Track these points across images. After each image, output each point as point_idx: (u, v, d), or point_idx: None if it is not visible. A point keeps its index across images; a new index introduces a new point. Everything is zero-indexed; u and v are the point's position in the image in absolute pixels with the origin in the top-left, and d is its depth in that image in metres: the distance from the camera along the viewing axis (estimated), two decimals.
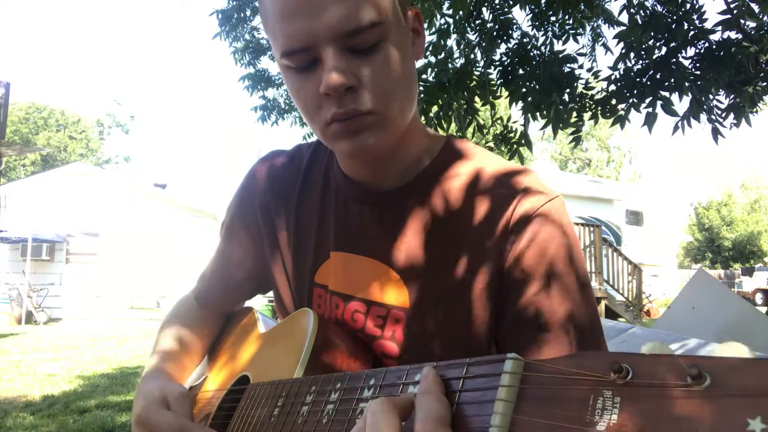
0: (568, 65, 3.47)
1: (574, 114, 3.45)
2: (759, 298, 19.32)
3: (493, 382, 0.37)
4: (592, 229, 11.06)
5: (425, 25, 3.78)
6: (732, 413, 0.25)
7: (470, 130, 3.91)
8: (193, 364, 0.92)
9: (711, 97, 3.07)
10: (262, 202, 0.85)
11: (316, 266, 0.80)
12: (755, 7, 2.82)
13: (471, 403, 0.39)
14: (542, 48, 3.70)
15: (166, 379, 0.79)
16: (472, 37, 3.85)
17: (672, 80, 2.99)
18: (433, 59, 3.76)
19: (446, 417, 0.39)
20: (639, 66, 3.21)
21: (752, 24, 2.96)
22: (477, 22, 3.74)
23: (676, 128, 3.08)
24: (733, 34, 2.98)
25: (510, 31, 3.69)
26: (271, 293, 0.90)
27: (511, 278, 0.68)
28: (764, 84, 3.14)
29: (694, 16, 3.08)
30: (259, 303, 10.36)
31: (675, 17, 3.03)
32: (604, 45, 3.99)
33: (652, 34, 3.04)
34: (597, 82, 3.46)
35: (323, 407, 0.55)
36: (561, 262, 0.67)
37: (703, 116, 3.08)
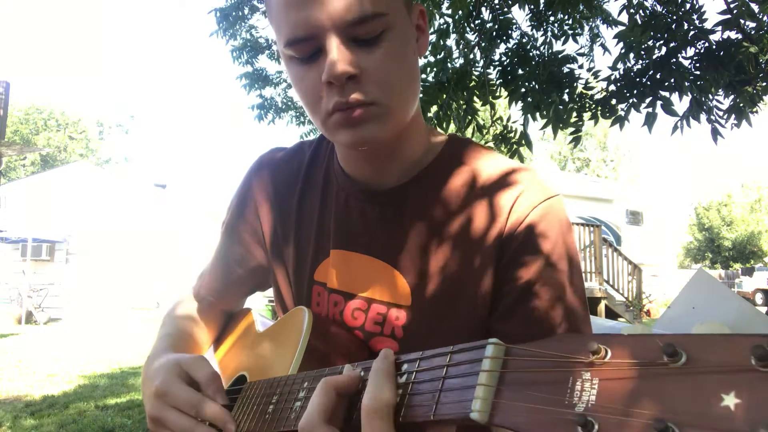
0: (568, 65, 3.46)
1: (574, 114, 3.44)
2: (759, 298, 19.32)
3: (474, 367, 0.38)
4: (592, 229, 11.05)
5: None
6: (707, 389, 0.25)
7: (470, 130, 3.91)
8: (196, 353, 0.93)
9: (711, 97, 3.07)
10: (262, 199, 0.85)
11: (316, 264, 0.80)
12: (755, 7, 2.82)
13: (453, 389, 0.39)
14: (541, 48, 3.70)
15: (180, 353, 0.78)
16: (471, 37, 3.85)
17: (672, 80, 2.99)
18: (432, 59, 3.75)
19: (390, 399, 0.44)
20: (639, 66, 3.21)
21: (752, 24, 2.96)
22: (476, 22, 3.74)
23: (675, 128, 3.08)
24: (733, 34, 2.97)
25: (509, 31, 3.68)
26: (271, 292, 0.91)
27: (506, 275, 0.69)
28: (764, 84, 3.14)
29: (694, 16, 3.07)
30: (259, 303, 10.35)
31: (675, 17, 3.02)
32: (603, 45, 3.99)
33: (652, 34, 3.03)
34: (597, 82, 3.45)
35: None
36: (557, 261, 0.68)
37: (703, 116, 3.08)
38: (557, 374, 0.32)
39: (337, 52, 0.60)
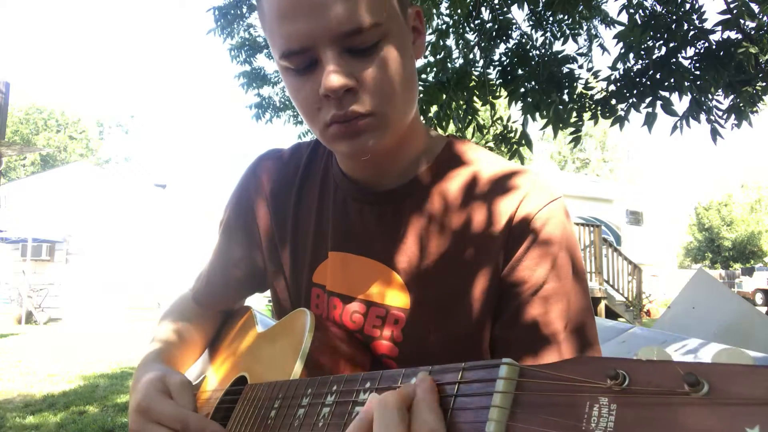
0: (567, 65, 3.46)
1: (574, 114, 3.44)
2: (759, 298, 19.32)
3: (488, 387, 0.37)
4: (592, 229, 11.05)
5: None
6: (730, 422, 0.24)
7: (470, 130, 3.91)
8: (191, 358, 0.92)
9: (711, 97, 3.07)
10: (260, 200, 0.85)
11: (314, 266, 0.79)
12: (755, 7, 2.81)
13: (466, 408, 0.39)
14: (541, 48, 3.70)
15: (166, 367, 0.77)
16: (471, 37, 3.85)
17: (672, 80, 2.98)
18: (432, 59, 3.75)
19: (440, 430, 0.39)
20: (639, 66, 3.20)
21: (752, 24, 2.96)
22: (476, 22, 3.74)
23: (675, 128, 3.07)
24: (733, 34, 2.96)
25: (509, 31, 3.68)
26: (269, 293, 0.90)
27: (510, 280, 0.68)
28: (764, 84, 3.13)
29: (694, 16, 3.07)
30: (260, 303, 10.35)
31: (675, 17, 3.01)
32: (601, 45, 3.99)
33: (652, 34, 3.03)
34: (597, 82, 3.45)
35: (319, 410, 0.54)
36: (561, 266, 0.67)
37: (703, 116, 3.08)
38: (573, 398, 0.31)
39: (332, 65, 0.59)
